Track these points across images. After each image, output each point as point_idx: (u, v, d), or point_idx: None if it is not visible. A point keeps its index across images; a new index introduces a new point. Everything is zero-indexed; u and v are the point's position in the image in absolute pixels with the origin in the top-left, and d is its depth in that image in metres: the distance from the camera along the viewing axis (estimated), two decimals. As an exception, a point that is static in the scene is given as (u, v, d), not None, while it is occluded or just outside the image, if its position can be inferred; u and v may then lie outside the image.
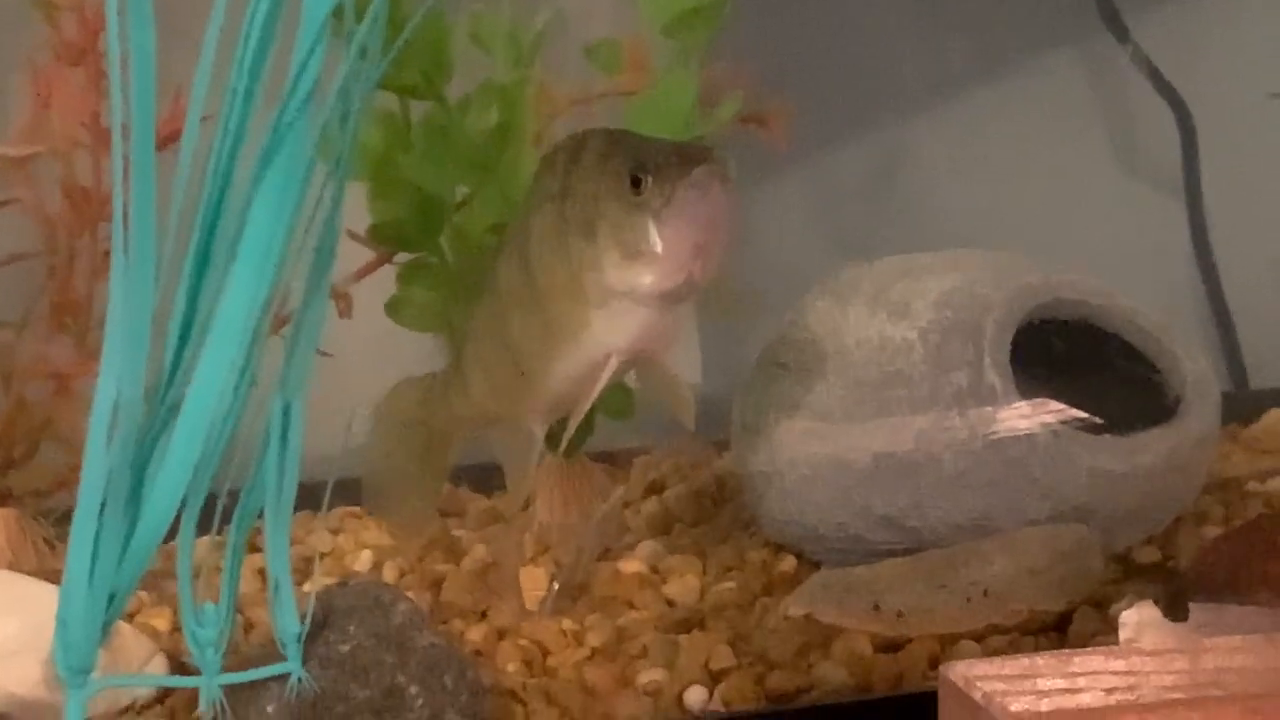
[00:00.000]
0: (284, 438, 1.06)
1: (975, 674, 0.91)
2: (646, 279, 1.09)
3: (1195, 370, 1.33)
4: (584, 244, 1.10)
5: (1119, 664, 0.92)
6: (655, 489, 1.49)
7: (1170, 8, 1.75)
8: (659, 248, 1.08)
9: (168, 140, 1.02)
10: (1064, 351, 1.34)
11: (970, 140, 1.73)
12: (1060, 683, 0.90)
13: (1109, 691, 0.89)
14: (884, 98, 1.71)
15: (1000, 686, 0.89)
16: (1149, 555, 1.32)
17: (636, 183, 1.07)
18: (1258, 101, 1.63)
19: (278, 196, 1.02)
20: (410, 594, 1.28)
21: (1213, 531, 1.33)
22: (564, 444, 1.21)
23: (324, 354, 1.12)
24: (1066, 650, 0.94)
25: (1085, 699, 0.88)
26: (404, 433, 1.25)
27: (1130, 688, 0.89)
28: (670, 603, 1.29)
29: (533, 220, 1.13)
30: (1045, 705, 0.88)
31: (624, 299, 1.10)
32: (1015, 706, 0.88)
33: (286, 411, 1.06)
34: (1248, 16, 1.75)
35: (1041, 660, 0.93)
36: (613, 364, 1.12)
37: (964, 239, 1.65)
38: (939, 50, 1.72)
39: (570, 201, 1.11)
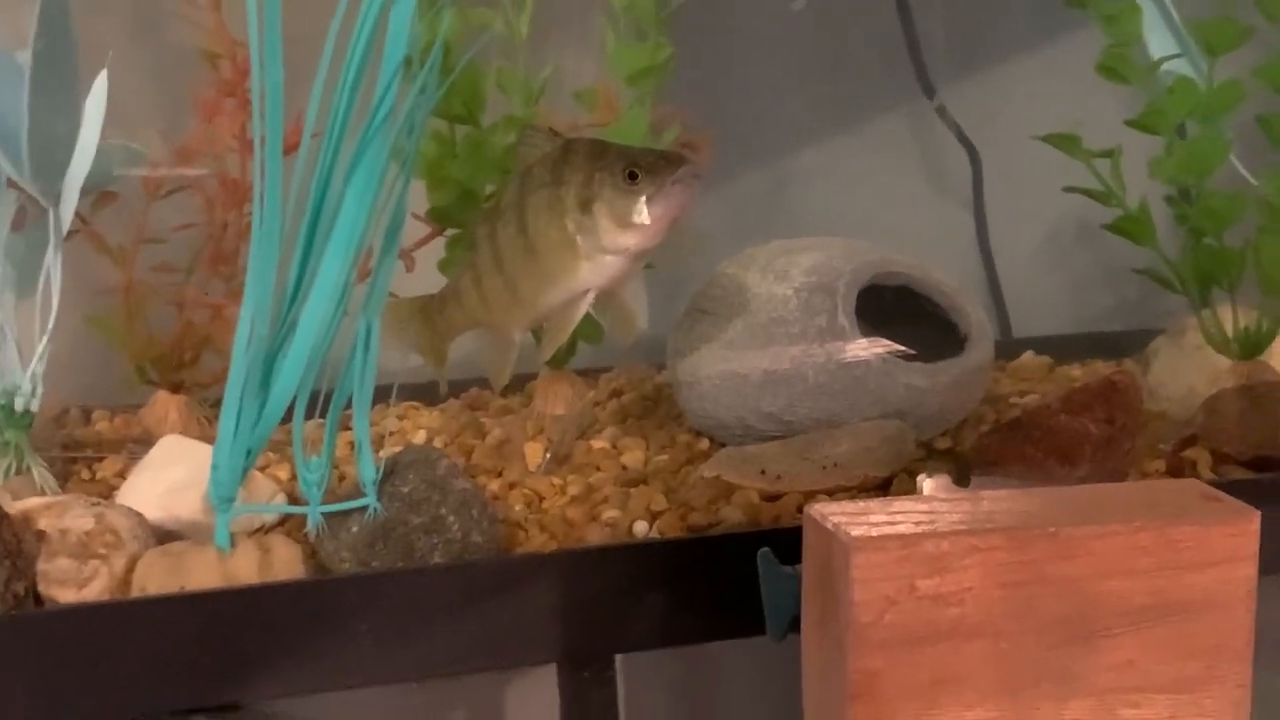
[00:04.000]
0: (366, 347, 1.05)
1: (827, 511, 0.92)
2: (633, 241, 1.09)
3: (977, 320, 1.33)
4: (580, 215, 1.09)
5: (923, 506, 0.93)
6: (616, 394, 1.49)
7: (966, 76, 1.73)
8: (646, 220, 1.07)
9: (290, 148, 1.01)
10: (891, 305, 1.33)
11: (828, 165, 1.73)
12: (884, 518, 0.90)
13: (916, 523, 0.89)
14: (773, 133, 1.69)
15: (844, 520, 0.90)
16: (944, 443, 1.32)
17: (632, 176, 1.06)
18: (1025, 145, 1.58)
19: (363, 187, 1.02)
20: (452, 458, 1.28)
21: (986, 429, 1.33)
22: (546, 355, 1.20)
23: (393, 295, 1.12)
24: (888, 498, 0.95)
25: (901, 528, 0.89)
26: (404, 329, 1.21)
27: (930, 521, 0.90)
28: (624, 468, 1.29)
29: (528, 199, 1.11)
30: (874, 532, 0.88)
31: (608, 254, 1.10)
32: (855, 532, 0.88)
33: (368, 330, 1.05)
34: (1022, 86, 1.73)
35: (871, 503, 0.93)
36: (590, 298, 1.12)
37: (825, 231, 1.65)
38: (810, 103, 1.70)
39: (564, 187, 1.10)
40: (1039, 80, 1.73)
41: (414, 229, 1.30)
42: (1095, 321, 1.77)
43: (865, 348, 1.28)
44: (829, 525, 0.89)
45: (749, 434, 1.30)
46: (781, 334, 1.27)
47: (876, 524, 0.89)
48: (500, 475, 1.27)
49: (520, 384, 1.47)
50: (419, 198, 1.31)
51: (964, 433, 1.33)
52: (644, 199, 1.06)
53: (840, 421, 1.26)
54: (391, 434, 1.38)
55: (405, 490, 1.06)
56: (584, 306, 1.10)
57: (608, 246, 1.09)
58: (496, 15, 1.29)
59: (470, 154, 1.26)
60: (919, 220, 1.74)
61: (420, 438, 1.39)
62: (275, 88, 0.99)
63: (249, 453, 1.04)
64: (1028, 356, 1.58)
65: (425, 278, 1.30)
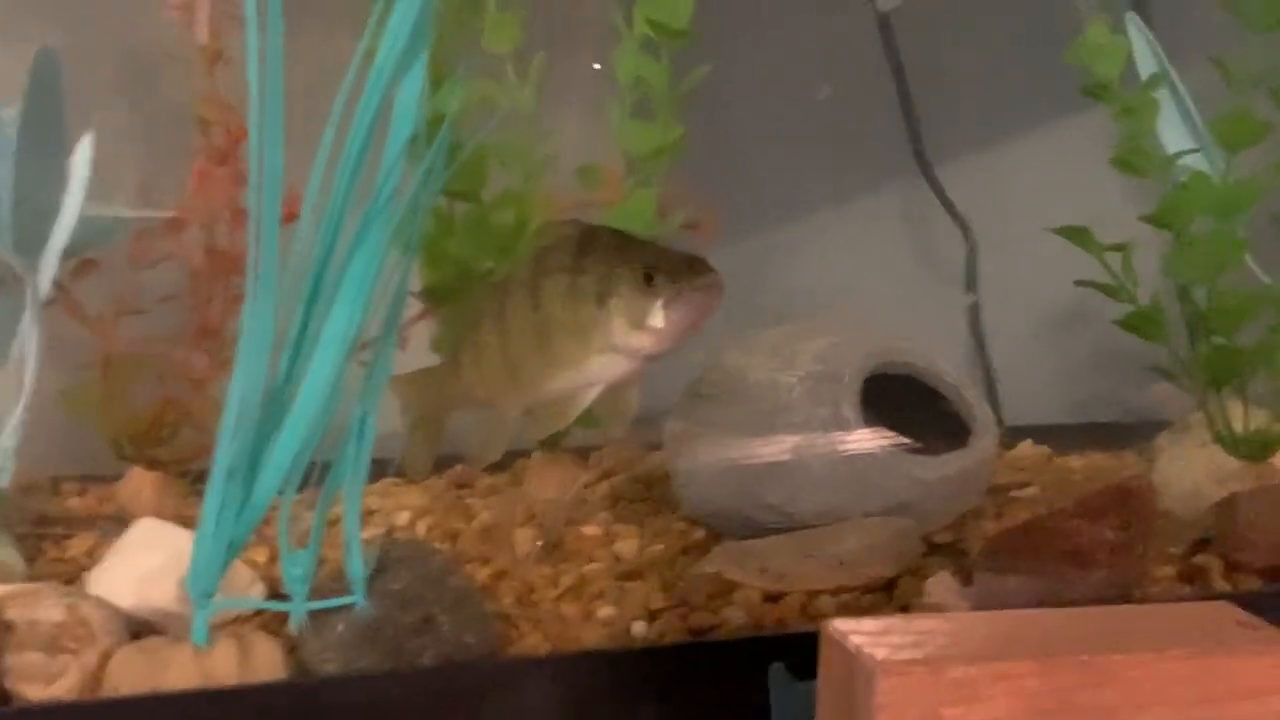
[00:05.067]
0: (360, 438, 0.99)
1: (847, 630, 0.86)
2: (645, 344, 1.04)
3: (982, 412, 1.29)
4: (595, 309, 1.04)
5: (947, 626, 0.87)
6: (607, 475, 1.43)
7: (963, 156, 1.70)
8: (660, 326, 1.02)
9: (286, 220, 0.96)
10: (895, 392, 1.28)
11: (822, 242, 1.69)
12: (908, 639, 0.85)
13: (942, 646, 0.84)
14: (769, 209, 1.65)
15: (866, 641, 0.84)
16: (945, 537, 1.26)
17: (649, 278, 1.02)
18: (1021, 226, 1.55)
19: (364, 269, 0.96)
20: (435, 543, 1.22)
21: (988, 524, 1.29)
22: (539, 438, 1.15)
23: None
24: (912, 614, 0.89)
25: (926, 650, 0.83)
26: (400, 403, 1.18)
27: (956, 644, 0.84)
28: (618, 558, 1.23)
29: (544, 280, 1.06)
30: (899, 655, 0.83)
31: (619, 352, 1.04)
32: (879, 655, 0.82)
33: (363, 420, 0.99)
34: (1019, 166, 1.70)
35: (893, 621, 0.87)
36: (596, 390, 1.06)
37: (818, 309, 1.62)
38: (806, 179, 1.66)
39: (584, 276, 1.05)
40: (1036, 161, 1.70)
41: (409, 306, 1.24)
42: (1090, 409, 1.73)
43: (870, 439, 1.23)
44: (850, 646, 0.83)
45: (748, 525, 1.24)
46: (785, 423, 1.22)
47: (900, 646, 0.83)
48: (488, 563, 1.20)
49: (506, 461, 1.41)
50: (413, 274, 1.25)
51: (966, 526, 1.28)
52: (660, 303, 1.01)
53: (843, 515, 1.21)
54: (373, 514, 1.32)
55: (396, 588, 0.99)
56: (587, 400, 1.05)
57: (619, 345, 1.04)
58: (502, 89, 1.24)
59: (470, 232, 1.20)
60: (912, 299, 1.72)
61: (403, 519, 1.32)
62: (275, 165, 0.94)
63: (231, 545, 0.97)
64: (1025, 446, 1.53)
65: (417, 357, 1.24)
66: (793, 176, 1.66)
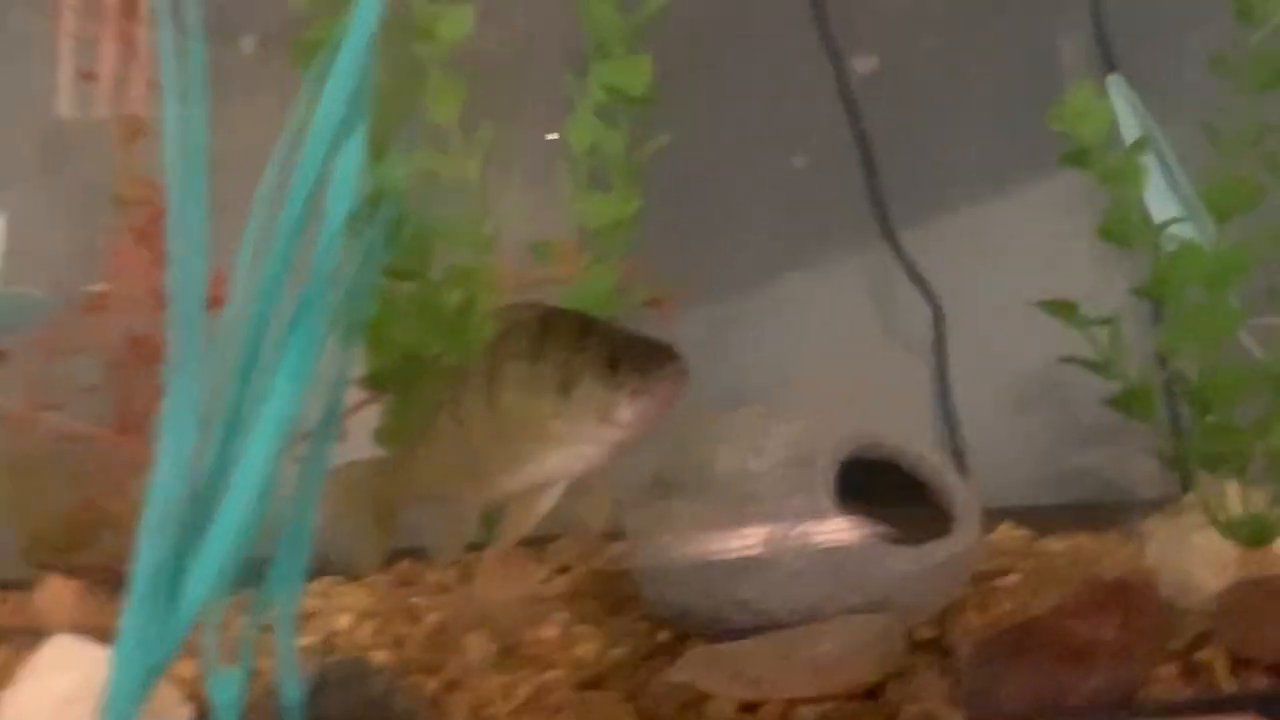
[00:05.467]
0: (296, 540, 0.90)
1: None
2: (610, 436, 0.96)
3: (965, 498, 1.21)
4: (557, 400, 0.96)
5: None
6: (564, 569, 1.34)
7: (930, 224, 1.62)
8: (625, 418, 0.94)
9: (212, 306, 0.87)
10: (871, 478, 1.20)
11: (789, 315, 1.62)
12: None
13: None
14: (729, 279, 1.58)
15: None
16: (927, 633, 1.18)
17: (614, 366, 0.94)
18: (991, 297, 1.55)
19: (299, 358, 0.87)
20: (379, 649, 1.13)
21: (972, 616, 1.21)
22: (505, 545, 1.06)
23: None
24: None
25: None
26: (351, 499, 1.07)
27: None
28: (578, 663, 1.13)
29: (503, 368, 0.98)
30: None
31: (584, 444, 0.96)
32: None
33: (299, 519, 0.90)
34: (987, 235, 1.63)
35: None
36: (559, 489, 0.98)
37: (784, 382, 1.53)
38: (767, 252, 1.60)
39: (543, 365, 0.96)
40: (1005, 228, 1.63)
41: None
42: (1066, 488, 1.65)
43: (847, 529, 1.14)
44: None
45: (717, 623, 1.15)
46: (756, 513, 1.14)
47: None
48: (438, 672, 1.11)
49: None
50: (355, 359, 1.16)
51: (949, 620, 1.20)
52: (625, 394, 0.93)
53: (819, 611, 1.13)
54: (312, 617, 1.23)
55: (334, 715, 0.89)
56: (552, 498, 0.96)
57: (583, 438, 0.95)
58: (448, 161, 1.16)
59: (416, 313, 1.12)
60: (878, 374, 1.63)
61: (344, 622, 1.22)
62: (196, 243, 0.85)
63: (152, 666, 0.87)
64: (1005, 529, 1.45)
65: (359, 449, 1.14)
66: (753, 246, 1.60)
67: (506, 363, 0.99)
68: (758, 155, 1.55)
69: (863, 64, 1.49)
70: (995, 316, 1.58)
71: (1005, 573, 1.33)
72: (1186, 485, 1.46)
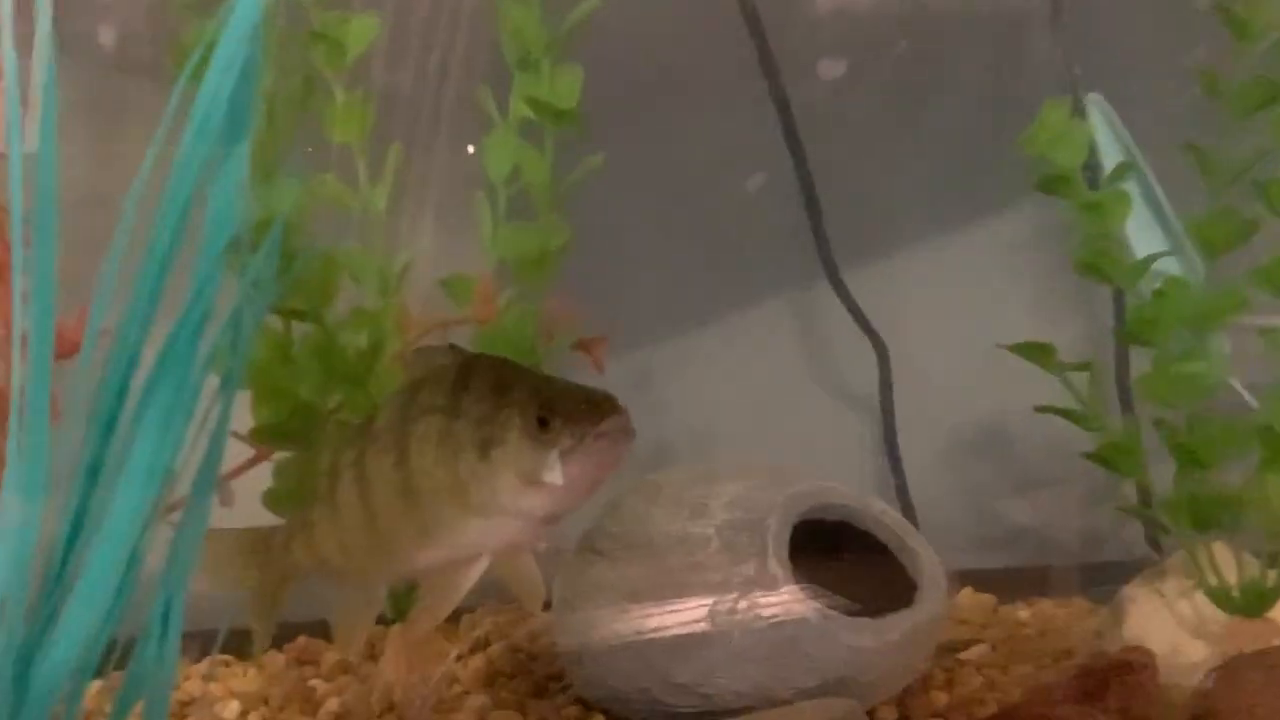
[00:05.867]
0: (167, 620, 0.76)
1: None
2: (540, 504, 0.83)
3: (929, 562, 1.10)
4: (477, 462, 0.83)
5: None
6: (482, 646, 1.20)
7: (875, 269, 1.51)
8: (559, 482, 0.81)
9: (71, 350, 0.74)
10: (825, 545, 1.08)
11: (721, 367, 1.51)
12: None
13: None
14: (659, 322, 1.47)
15: None
16: (889, 715, 1.07)
17: (543, 422, 0.80)
18: (938, 338, 1.46)
19: (169, 409, 0.73)
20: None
21: (938, 694, 1.09)
22: (420, 631, 0.92)
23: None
24: None
25: None
26: (231, 566, 0.94)
27: None
28: (499, 757, 0.99)
29: (413, 426, 0.84)
30: None
31: (507, 514, 0.82)
32: None
33: (169, 600, 0.76)
34: (933, 272, 1.52)
35: None
36: (483, 563, 0.84)
37: (712, 432, 1.43)
38: (700, 289, 1.49)
39: (462, 421, 0.83)
40: (951, 267, 1.53)
41: (234, 451, 1.00)
42: (1018, 549, 1.54)
43: (800, 601, 1.02)
44: None
45: (654, 708, 1.03)
46: (699, 583, 1.02)
47: None
48: (339, 770, 0.97)
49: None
50: (241, 411, 1.01)
51: (913, 699, 1.09)
52: (556, 454, 0.80)
53: (768, 694, 1.01)
54: (190, 704, 1.08)
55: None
56: (473, 576, 0.83)
57: (507, 506, 0.82)
58: (350, 187, 1.02)
59: (312, 358, 0.97)
60: (819, 423, 1.54)
61: (233, 711, 1.08)
62: (46, 274, 0.72)
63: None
64: (966, 594, 1.33)
65: (246, 514, 1.00)
66: (683, 286, 1.48)
67: (418, 417, 0.86)
68: (691, 188, 1.44)
69: (827, 69, 1.38)
70: (943, 361, 1.49)
71: (970, 644, 1.22)
72: (1157, 546, 1.37)
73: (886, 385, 1.52)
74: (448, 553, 0.85)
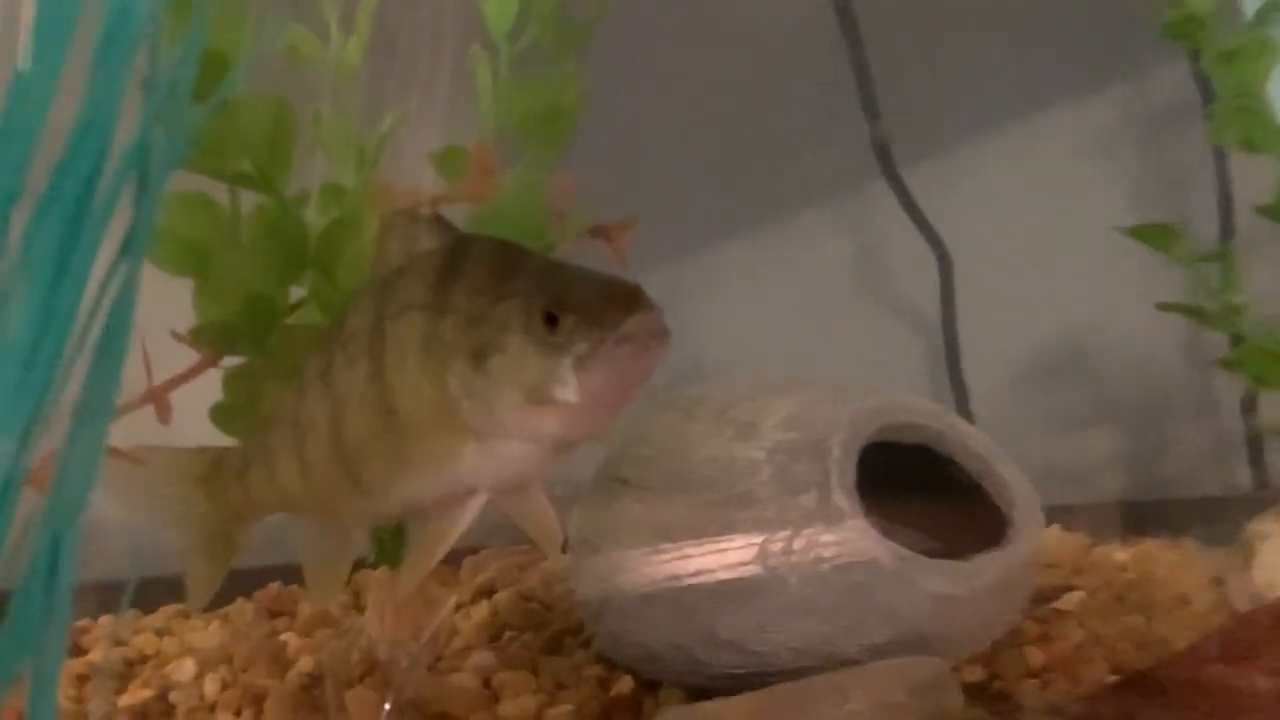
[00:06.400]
0: (52, 575, 0.57)
1: None
2: (549, 427, 0.65)
3: (1023, 493, 0.92)
4: (469, 371, 0.64)
5: None
6: (485, 592, 1.02)
7: (938, 165, 1.37)
8: (573, 399, 0.63)
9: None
10: (897, 474, 0.90)
11: (760, 260, 1.36)
12: None
13: None
14: (698, 221, 1.32)
15: None
16: (975, 675, 0.89)
17: (552, 320, 0.63)
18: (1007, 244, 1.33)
19: (49, 277, 0.54)
20: (227, 713, 0.81)
21: (1033, 651, 0.91)
22: (406, 587, 0.73)
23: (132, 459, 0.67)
24: None
25: None
26: (182, 497, 0.77)
27: None
28: (505, 725, 0.82)
29: (391, 327, 0.66)
30: None
31: (510, 439, 0.65)
32: None
33: (55, 542, 0.57)
34: (1001, 177, 1.38)
35: None
36: (479, 501, 0.65)
37: (756, 346, 1.33)
38: (744, 187, 1.33)
39: (450, 318, 0.65)
40: (1024, 162, 1.38)
41: (172, 356, 0.81)
42: (1101, 481, 1.37)
43: (871, 539, 0.84)
44: None
45: (694, 670, 0.86)
46: (748, 519, 0.85)
47: None
48: (310, 746, 0.79)
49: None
50: (183, 306, 0.82)
51: (1003, 658, 0.90)
52: (569, 361, 0.62)
53: (832, 652, 0.83)
54: (141, 663, 0.91)
55: None
56: (467, 517, 0.65)
57: (508, 429, 0.63)
58: (320, 42, 0.83)
59: (267, 240, 0.78)
60: (872, 338, 1.41)
61: (187, 671, 0.90)
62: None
63: None
64: (1054, 533, 1.14)
65: (193, 431, 0.81)
66: (723, 185, 1.33)
67: (397, 315, 0.67)
68: (733, 77, 1.29)
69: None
70: (1014, 270, 1.35)
71: (1063, 590, 1.02)
72: (1262, 480, 1.20)
73: (949, 297, 1.38)
74: (436, 488, 0.67)
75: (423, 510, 0.69)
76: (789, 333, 1.38)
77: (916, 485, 0.92)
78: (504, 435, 0.65)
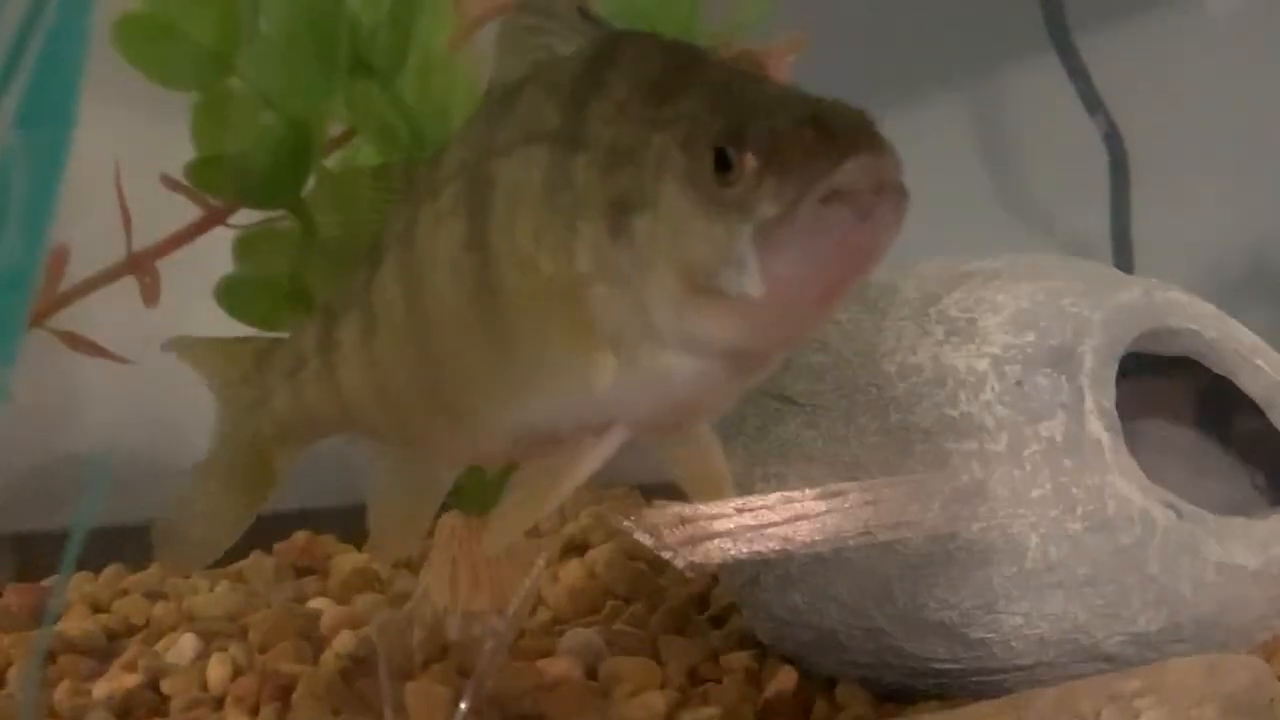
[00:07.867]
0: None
1: None
2: (719, 332, 0.43)
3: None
4: (606, 239, 0.42)
5: None
6: (576, 547, 0.80)
7: (1114, 30, 1.23)
8: (754, 290, 0.41)
9: None
10: (1153, 394, 0.67)
11: (911, 150, 1.13)
12: None
13: None
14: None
15: None
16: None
17: (724, 161, 0.40)
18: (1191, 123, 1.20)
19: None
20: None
21: None
22: (497, 544, 0.51)
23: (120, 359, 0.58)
24: None
25: None
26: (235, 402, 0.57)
27: None
28: (623, 727, 0.61)
29: (501, 165, 0.45)
30: None
31: (671, 350, 0.43)
32: None
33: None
34: (1181, 45, 1.24)
35: None
36: (616, 439, 0.43)
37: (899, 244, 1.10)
38: (894, 61, 1.19)
39: (584, 155, 0.43)
40: (1206, 29, 1.25)
41: (160, 209, 0.57)
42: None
43: (1143, 487, 0.63)
44: None
45: (887, 663, 0.66)
46: (967, 453, 0.63)
47: None
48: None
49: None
50: (178, 145, 0.59)
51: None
52: (748, 230, 0.41)
53: (1087, 642, 0.63)
54: (133, 634, 0.70)
55: None
56: (599, 457, 0.44)
57: (662, 329, 0.43)
58: None
59: (296, 31, 0.54)
60: (1029, 227, 1.26)
61: (184, 651, 0.68)
62: None
63: None
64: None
65: (193, 317, 0.58)
66: (870, 49, 1.16)
67: (511, 150, 0.45)
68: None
69: None
70: (1198, 154, 1.21)
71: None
72: None
73: (1121, 188, 1.22)
74: (558, 418, 0.45)
75: (541, 449, 0.46)
76: (934, 216, 1.20)
77: (1168, 413, 0.70)
78: (656, 341, 0.42)
